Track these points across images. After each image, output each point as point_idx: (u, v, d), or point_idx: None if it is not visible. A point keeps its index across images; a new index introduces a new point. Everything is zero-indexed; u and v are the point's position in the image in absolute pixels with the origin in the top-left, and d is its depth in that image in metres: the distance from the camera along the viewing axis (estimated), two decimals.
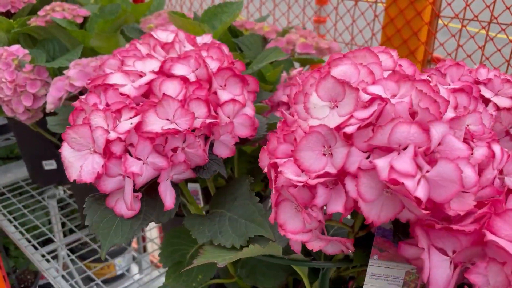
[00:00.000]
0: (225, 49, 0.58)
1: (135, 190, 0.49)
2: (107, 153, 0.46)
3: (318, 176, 0.39)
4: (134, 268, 1.89)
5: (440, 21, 1.13)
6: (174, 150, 0.49)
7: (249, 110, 0.55)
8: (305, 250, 0.54)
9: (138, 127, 0.47)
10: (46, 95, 0.96)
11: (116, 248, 1.85)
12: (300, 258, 0.49)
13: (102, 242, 0.49)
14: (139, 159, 0.47)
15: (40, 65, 0.95)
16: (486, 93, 0.56)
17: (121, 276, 2.00)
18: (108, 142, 0.46)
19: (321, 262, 0.49)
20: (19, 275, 1.82)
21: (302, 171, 0.40)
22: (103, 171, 0.46)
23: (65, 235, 1.54)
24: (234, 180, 0.57)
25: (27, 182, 1.48)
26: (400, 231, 0.44)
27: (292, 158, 0.41)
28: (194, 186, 0.83)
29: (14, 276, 1.74)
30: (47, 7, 1.08)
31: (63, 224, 1.46)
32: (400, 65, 0.43)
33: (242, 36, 0.91)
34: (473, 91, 0.43)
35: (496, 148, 0.41)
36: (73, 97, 0.90)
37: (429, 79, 0.41)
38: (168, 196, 0.50)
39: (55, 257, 1.55)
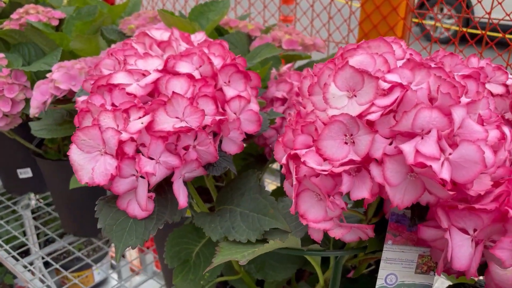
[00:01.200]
0: (226, 46, 0.58)
1: (149, 191, 0.49)
2: (119, 154, 0.46)
3: (342, 164, 0.40)
4: (114, 276, 1.85)
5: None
6: (186, 148, 0.49)
7: (254, 105, 0.55)
8: (313, 240, 0.55)
9: (149, 127, 0.46)
10: (25, 99, 0.94)
11: (95, 258, 1.81)
12: (316, 248, 0.50)
13: (117, 245, 0.48)
14: (152, 159, 0.47)
15: (17, 69, 0.92)
16: None
17: (100, 284, 1.96)
18: (121, 142, 0.45)
19: (336, 250, 0.50)
20: None
21: (325, 160, 0.41)
22: (116, 172, 0.45)
23: (45, 245, 1.50)
24: (240, 176, 0.57)
25: (1, 192, 1.43)
26: (417, 214, 0.45)
27: (313, 148, 0.41)
28: None
29: None
30: (21, 10, 1.04)
31: (43, 233, 1.41)
32: (411, 54, 0.45)
33: (228, 34, 0.91)
34: (480, 77, 0.45)
35: (506, 130, 0.42)
36: (57, 101, 0.87)
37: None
38: (181, 195, 0.49)
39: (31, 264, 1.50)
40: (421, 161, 0.36)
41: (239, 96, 0.53)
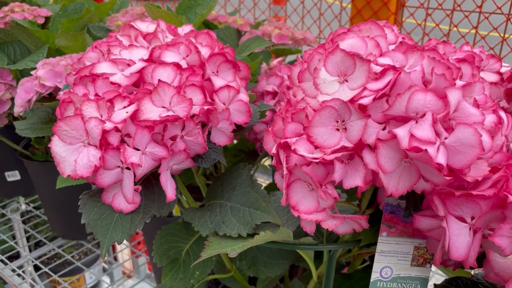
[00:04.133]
0: (214, 36, 0.56)
1: (135, 183, 0.47)
2: (103, 145, 0.44)
3: (334, 151, 0.38)
4: (105, 279, 1.82)
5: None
6: (173, 138, 0.47)
7: (244, 96, 0.54)
8: (305, 234, 0.54)
9: (134, 116, 0.45)
10: (11, 99, 0.91)
11: (86, 260, 1.78)
12: (308, 242, 0.48)
13: (102, 240, 0.46)
14: (137, 150, 0.45)
15: (3, 67, 0.90)
16: None
17: (92, 287, 1.94)
18: (105, 132, 0.43)
19: (330, 244, 0.48)
20: None
21: (316, 147, 0.39)
22: (100, 163, 0.43)
23: (35, 248, 1.47)
24: (231, 169, 0.56)
25: None
26: (412, 204, 0.44)
27: (303, 136, 0.40)
28: None
29: None
30: (5, 8, 1.02)
31: (33, 237, 1.38)
32: (403, 38, 0.43)
33: (217, 29, 0.90)
34: (475, 61, 0.43)
35: (503, 114, 0.41)
36: (42, 99, 0.85)
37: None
38: (169, 187, 0.47)
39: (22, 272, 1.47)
40: (416, 145, 0.35)
41: (228, 86, 0.51)
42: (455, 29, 1.08)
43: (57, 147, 0.45)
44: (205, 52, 0.52)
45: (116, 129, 0.44)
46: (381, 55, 0.40)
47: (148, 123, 0.45)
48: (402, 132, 0.35)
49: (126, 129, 0.45)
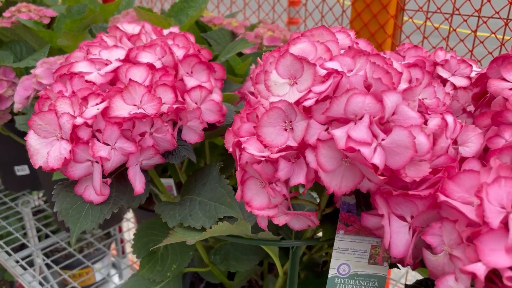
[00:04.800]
0: (191, 38, 0.59)
1: (105, 176, 0.50)
2: (74, 139, 0.47)
3: (280, 150, 0.40)
4: (114, 272, 1.87)
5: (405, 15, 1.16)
6: (142, 135, 0.50)
7: (216, 96, 0.56)
8: (276, 232, 0.56)
9: (105, 113, 0.48)
10: (13, 95, 0.96)
11: (95, 254, 1.83)
12: (270, 238, 0.50)
13: (72, 229, 0.49)
14: (107, 145, 0.48)
15: (6, 65, 0.94)
16: (444, 73, 0.59)
17: (101, 281, 1.98)
18: (75, 127, 0.46)
19: (290, 241, 0.50)
20: None
21: (265, 146, 0.42)
22: (70, 156, 0.46)
23: (40, 241, 1.51)
24: (204, 167, 0.58)
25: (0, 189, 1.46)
26: (363, 203, 0.45)
27: (255, 136, 0.42)
28: (168, 182, 0.83)
29: None
30: (13, 8, 1.07)
31: (38, 230, 1.43)
32: (357, 43, 0.45)
33: (211, 31, 0.92)
34: (426, 66, 0.45)
35: (449, 118, 0.43)
36: None
37: (384, 55, 0.43)
38: (137, 181, 0.50)
39: (31, 265, 1.53)
40: (351, 145, 0.36)
41: (200, 86, 0.54)
42: (459, 30, 1.07)
43: (32, 140, 0.48)
44: (180, 53, 0.55)
45: (87, 125, 0.47)
46: (331, 59, 0.42)
47: (118, 120, 0.48)
48: (339, 133, 0.37)
49: (97, 125, 0.48)
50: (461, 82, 0.58)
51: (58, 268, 1.21)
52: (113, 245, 1.83)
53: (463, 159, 0.42)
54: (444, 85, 0.59)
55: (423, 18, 1.14)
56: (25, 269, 1.13)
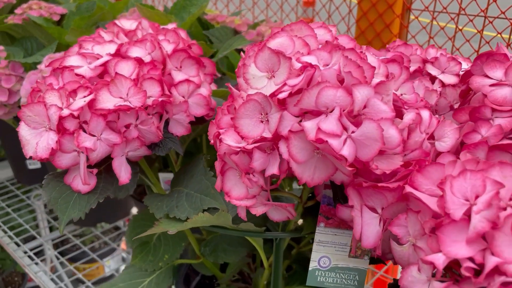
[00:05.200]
0: (182, 33, 0.60)
1: (92, 166, 0.51)
2: (60, 130, 0.48)
3: (255, 141, 0.41)
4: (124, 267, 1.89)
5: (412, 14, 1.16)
6: (128, 127, 0.51)
7: (204, 90, 0.57)
8: (263, 225, 0.57)
9: (91, 105, 0.49)
10: None
11: (105, 249, 1.86)
12: (253, 229, 0.51)
13: (60, 217, 0.50)
14: (93, 136, 0.49)
15: (14, 60, 0.97)
16: (433, 71, 0.59)
17: (111, 277, 2.01)
18: (61, 118, 0.48)
19: (272, 232, 0.51)
20: (6, 277, 1.83)
21: (242, 138, 0.42)
22: (57, 147, 0.48)
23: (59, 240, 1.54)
24: (193, 160, 0.59)
25: (12, 182, 1.50)
26: (340, 195, 0.46)
27: (233, 127, 0.43)
28: (168, 176, 0.85)
29: (1, 278, 1.75)
30: (24, 5, 1.10)
31: (49, 223, 1.47)
32: (337, 38, 0.46)
33: (213, 28, 0.93)
34: (404, 62, 0.45)
35: (424, 113, 0.43)
36: None
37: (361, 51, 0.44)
38: (123, 172, 0.51)
39: (43, 260, 1.56)
40: (320, 137, 0.37)
41: (187, 80, 0.55)
42: (465, 29, 1.07)
43: (23, 130, 0.50)
44: (169, 48, 0.56)
45: (73, 116, 0.48)
46: (308, 53, 0.43)
47: (103, 112, 0.49)
48: (309, 124, 0.38)
49: (84, 116, 0.49)
50: (449, 79, 0.58)
51: (64, 259, 1.24)
52: (124, 241, 1.86)
53: (439, 154, 0.43)
54: (433, 83, 0.59)
55: (429, 18, 1.14)
56: (32, 259, 1.16)
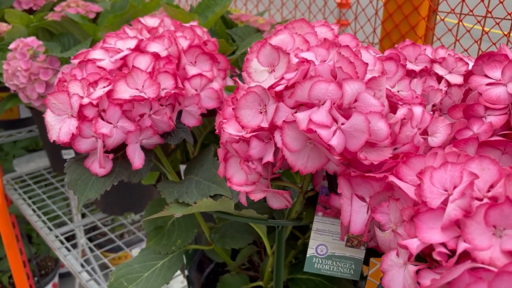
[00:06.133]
0: (200, 31, 0.64)
1: (108, 152, 0.56)
2: (81, 117, 0.53)
3: (253, 130, 0.44)
4: None
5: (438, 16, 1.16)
6: (142, 116, 0.55)
7: (216, 84, 0.60)
8: (270, 214, 0.59)
9: (109, 95, 0.53)
10: None
11: (133, 238, 1.93)
12: (256, 216, 0.54)
13: (79, 197, 0.55)
14: (110, 123, 0.53)
15: (52, 55, 1.03)
16: (440, 70, 0.60)
17: None
18: (82, 106, 0.52)
19: (274, 220, 0.54)
20: (40, 261, 1.92)
21: (243, 127, 0.45)
22: (77, 132, 0.52)
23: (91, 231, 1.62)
24: (204, 150, 0.63)
25: (49, 171, 1.58)
26: (334, 185, 0.48)
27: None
28: None
29: (35, 262, 1.84)
30: (63, 3, 1.17)
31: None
32: (337, 36, 0.48)
33: (236, 27, 0.97)
34: (400, 60, 0.47)
35: (417, 109, 0.45)
36: None
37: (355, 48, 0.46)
38: (136, 158, 0.55)
39: (74, 247, 1.64)
40: (311, 127, 0.40)
41: (200, 75, 0.59)
42: (491, 32, 1.06)
43: (49, 117, 0.54)
44: (185, 44, 0.60)
45: (92, 105, 0.53)
46: (308, 50, 0.45)
47: (120, 101, 0.53)
48: (302, 116, 0.41)
49: (102, 105, 0.54)
50: (455, 79, 0.59)
51: (92, 244, 1.30)
52: None
53: (431, 149, 0.44)
54: (440, 82, 0.60)
55: (455, 19, 1.13)
56: (63, 243, 1.23)
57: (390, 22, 1.24)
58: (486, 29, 1.05)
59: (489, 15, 1.06)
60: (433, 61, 0.61)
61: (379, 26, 1.26)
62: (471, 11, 1.11)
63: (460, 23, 1.17)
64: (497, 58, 0.50)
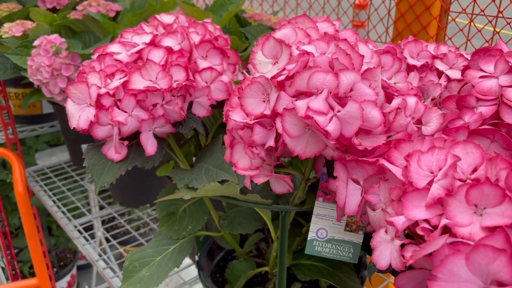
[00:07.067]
0: (211, 27, 0.67)
1: (124, 139, 0.59)
2: (98, 105, 0.57)
3: (256, 118, 0.47)
4: None
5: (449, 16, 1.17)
6: (155, 105, 0.59)
7: (226, 77, 0.64)
8: (276, 201, 0.62)
9: (125, 85, 0.57)
10: None
11: (148, 231, 1.98)
12: (261, 201, 0.57)
13: (96, 181, 0.59)
14: (125, 112, 0.57)
15: (73, 51, 1.08)
16: (441, 66, 0.63)
17: None
18: (99, 96, 0.56)
19: (277, 205, 0.57)
20: (59, 253, 1.99)
21: (247, 115, 0.49)
22: (95, 120, 0.56)
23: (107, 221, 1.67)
24: (214, 140, 0.66)
25: (69, 165, 1.64)
26: (333, 171, 0.51)
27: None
28: None
29: (54, 253, 1.91)
30: (85, 2, 1.22)
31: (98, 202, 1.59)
32: (337, 31, 0.51)
33: (250, 26, 1.00)
34: (397, 53, 0.50)
35: (411, 99, 0.47)
36: None
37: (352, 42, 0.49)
38: (149, 145, 0.59)
39: (92, 237, 1.70)
40: (308, 114, 0.43)
41: (210, 68, 0.62)
42: (503, 32, 1.08)
43: (69, 106, 0.59)
44: (197, 39, 0.64)
45: (109, 94, 0.56)
46: (309, 43, 0.48)
47: (134, 92, 0.57)
48: (300, 103, 0.44)
49: (118, 95, 0.57)
50: (455, 74, 0.61)
51: (108, 235, 1.35)
52: None
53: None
54: (440, 77, 0.63)
55: (467, 19, 1.15)
56: (81, 233, 1.28)
57: (402, 22, 1.26)
58: (497, 29, 1.06)
59: (500, 15, 1.08)
60: (434, 57, 0.64)
61: (391, 26, 1.28)
62: (482, 11, 1.12)
63: (472, 23, 1.19)
64: (492, 53, 0.52)
